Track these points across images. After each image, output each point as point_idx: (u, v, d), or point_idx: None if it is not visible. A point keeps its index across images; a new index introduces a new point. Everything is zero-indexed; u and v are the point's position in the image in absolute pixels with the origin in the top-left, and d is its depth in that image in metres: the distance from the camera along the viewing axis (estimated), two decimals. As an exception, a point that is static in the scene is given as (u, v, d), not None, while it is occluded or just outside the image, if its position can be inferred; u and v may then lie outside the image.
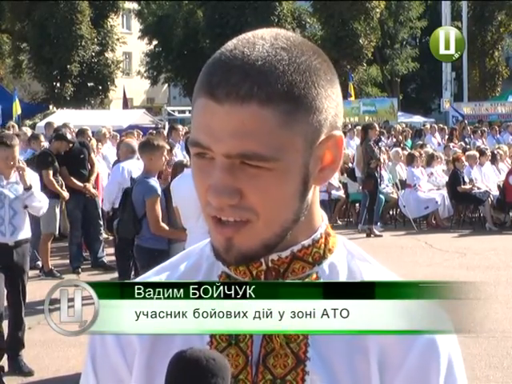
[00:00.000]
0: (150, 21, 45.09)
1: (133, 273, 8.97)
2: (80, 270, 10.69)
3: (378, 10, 37.87)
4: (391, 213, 15.57)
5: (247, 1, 37.02)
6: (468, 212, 15.23)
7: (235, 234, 1.13)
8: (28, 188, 6.62)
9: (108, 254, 11.10)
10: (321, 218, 1.24)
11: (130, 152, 10.09)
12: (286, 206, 1.14)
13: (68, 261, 10.94)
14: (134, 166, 9.64)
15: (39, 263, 10.74)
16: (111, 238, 12.09)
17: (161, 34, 43.87)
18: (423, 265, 10.71)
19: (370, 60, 40.40)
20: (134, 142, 10.80)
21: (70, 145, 10.69)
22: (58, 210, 10.47)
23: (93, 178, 10.99)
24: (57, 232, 10.96)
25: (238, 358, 1.19)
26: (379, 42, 40.73)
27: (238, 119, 1.08)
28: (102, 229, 11.20)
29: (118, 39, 39.62)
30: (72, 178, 10.63)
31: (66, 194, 10.43)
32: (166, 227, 6.96)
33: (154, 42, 45.35)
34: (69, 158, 10.71)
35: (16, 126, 16.75)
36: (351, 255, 1.24)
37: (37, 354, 7.12)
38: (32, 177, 6.80)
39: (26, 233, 6.64)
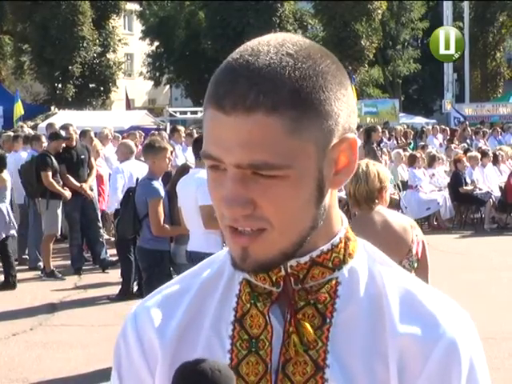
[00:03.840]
0: (151, 22, 45.09)
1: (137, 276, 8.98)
2: (81, 271, 10.69)
3: (379, 11, 37.82)
4: (393, 214, 15.52)
5: (249, 0, 36.99)
6: (470, 213, 15.22)
7: (251, 244, 1.11)
8: None
9: (111, 255, 11.09)
10: (340, 222, 1.21)
11: (129, 153, 10.08)
12: (301, 214, 1.12)
13: (69, 262, 10.93)
14: (133, 167, 9.64)
15: (41, 264, 10.74)
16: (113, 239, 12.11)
17: (162, 35, 43.86)
18: (425, 266, 10.68)
19: (372, 61, 40.34)
20: (132, 143, 10.80)
21: (66, 141, 10.66)
22: (59, 211, 10.45)
23: (90, 180, 10.97)
24: (59, 233, 10.95)
25: (258, 365, 1.18)
26: (381, 43, 40.67)
27: (246, 129, 1.07)
28: (101, 231, 11.19)
29: (119, 40, 39.57)
30: (69, 177, 10.59)
31: (68, 194, 10.39)
32: (168, 227, 6.96)
33: (156, 43, 45.34)
34: (69, 157, 10.70)
35: (26, 127, 16.68)
36: (372, 259, 1.22)
37: (38, 355, 7.12)
38: None
39: None
